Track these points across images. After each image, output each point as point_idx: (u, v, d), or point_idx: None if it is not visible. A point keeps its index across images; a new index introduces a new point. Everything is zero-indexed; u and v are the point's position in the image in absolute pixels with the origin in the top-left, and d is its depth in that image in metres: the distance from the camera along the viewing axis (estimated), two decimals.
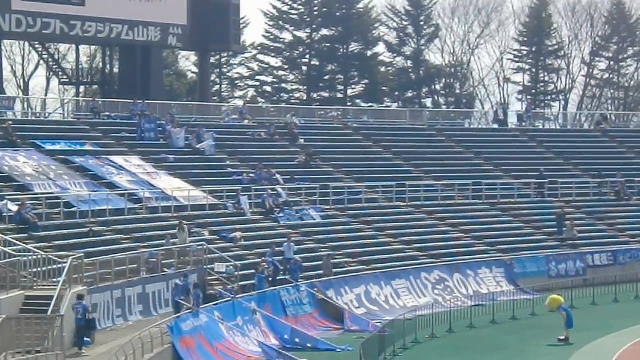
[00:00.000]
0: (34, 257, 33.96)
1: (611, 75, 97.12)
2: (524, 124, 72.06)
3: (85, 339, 32.32)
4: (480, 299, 47.07)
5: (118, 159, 50.65)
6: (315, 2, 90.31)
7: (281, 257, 44.62)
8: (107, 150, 51.65)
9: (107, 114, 56.99)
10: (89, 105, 58.17)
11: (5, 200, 41.49)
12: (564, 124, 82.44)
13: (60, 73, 74.49)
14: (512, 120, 73.58)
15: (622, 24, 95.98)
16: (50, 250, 37.29)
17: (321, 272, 45.91)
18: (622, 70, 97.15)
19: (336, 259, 47.97)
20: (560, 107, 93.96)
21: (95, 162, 49.52)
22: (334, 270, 46.41)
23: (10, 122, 50.51)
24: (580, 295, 48.72)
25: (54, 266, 34.00)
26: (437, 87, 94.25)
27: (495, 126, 72.17)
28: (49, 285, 33.07)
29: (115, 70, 72.44)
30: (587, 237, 58.16)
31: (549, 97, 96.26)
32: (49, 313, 30.39)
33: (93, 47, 78.48)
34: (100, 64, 76.03)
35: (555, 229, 57.62)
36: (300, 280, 43.56)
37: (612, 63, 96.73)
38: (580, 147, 69.26)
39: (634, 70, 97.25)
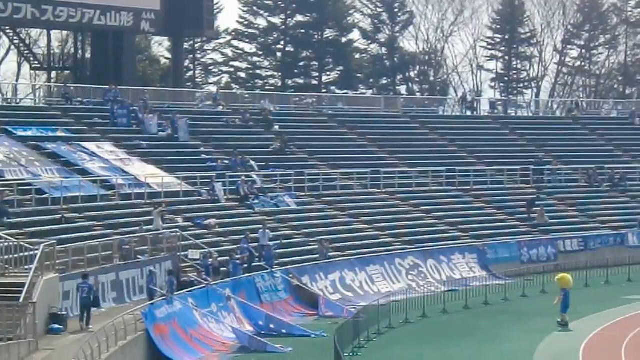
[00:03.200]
0: (5, 244, 33.74)
1: (583, 63, 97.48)
2: (496, 111, 72.28)
3: (57, 326, 32.26)
4: (454, 285, 47.35)
5: (90, 145, 50.43)
6: None
7: (256, 244, 44.62)
8: (79, 137, 51.41)
9: (79, 99, 56.71)
10: (61, 91, 57.87)
11: None
12: (536, 111, 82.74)
13: (32, 58, 74.01)
14: (485, 108, 73.95)
15: (593, 12, 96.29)
16: (21, 237, 37.04)
17: (296, 258, 45.99)
18: (593, 58, 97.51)
19: (310, 245, 48.07)
20: (532, 95, 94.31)
21: (67, 148, 49.28)
22: (310, 256, 46.53)
23: None
24: (552, 280, 48.86)
25: (26, 253, 33.79)
26: (412, 74, 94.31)
27: (467, 113, 72.37)
28: (21, 273, 32.86)
29: (88, 55, 72.00)
30: (558, 223, 58.56)
31: (522, 85, 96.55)
32: (20, 300, 30.26)
33: (65, 32, 78.00)
34: (72, 49, 75.60)
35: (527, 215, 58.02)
36: (275, 267, 43.61)
37: (583, 51, 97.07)
38: (552, 134, 69.60)
39: (605, 58, 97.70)
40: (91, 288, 33.65)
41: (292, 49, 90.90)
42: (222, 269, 41.57)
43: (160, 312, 34.40)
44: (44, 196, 43.29)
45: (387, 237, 52.01)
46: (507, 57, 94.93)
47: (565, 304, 39.68)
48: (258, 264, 43.82)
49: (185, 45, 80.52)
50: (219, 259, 42.19)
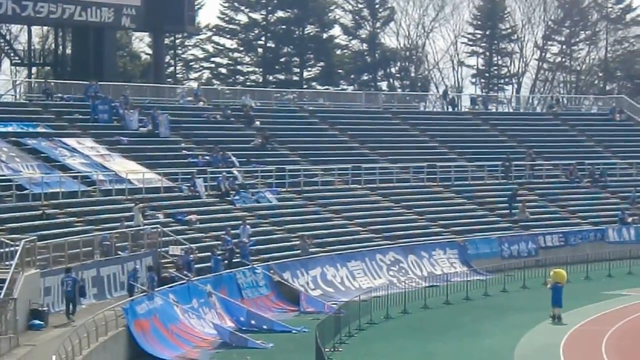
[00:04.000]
0: None
1: (563, 59, 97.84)
2: (476, 107, 72.46)
3: (38, 321, 32.22)
4: (434, 280, 47.50)
5: (71, 141, 50.30)
6: None
7: (237, 240, 44.64)
8: (59, 132, 51.26)
9: (60, 95, 56.52)
10: (42, 87, 57.70)
11: None
12: (517, 107, 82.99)
13: (12, 54, 73.81)
14: (466, 104, 74.10)
15: (574, 8, 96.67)
16: (2, 232, 37.01)
17: (277, 253, 46.02)
18: (574, 54, 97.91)
19: (291, 241, 48.11)
20: (513, 91, 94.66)
21: (47, 144, 49.14)
22: (291, 252, 46.56)
23: None
24: (532, 275, 49.26)
25: (7, 249, 33.75)
26: (393, 70, 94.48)
27: (448, 109, 72.55)
28: (1, 269, 32.80)
29: (68, 51, 71.86)
30: (539, 218, 58.77)
31: (502, 81, 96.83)
32: (1, 296, 30.18)
33: (45, 28, 77.74)
34: (53, 45, 75.41)
35: (508, 211, 58.23)
36: (253, 263, 43.58)
37: (564, 47, 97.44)
38: (533, 130, 69.82)
39: (585, 54, 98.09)
40: (75, 281, 34.03)
41: (273, 45, 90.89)
42: (198, 265, 41.48)
43: (141, 308, 34.37)
44: (25, 192, 43.19)
45: (368, 233, 52.08)
46: (487, 53, 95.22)
47: (557, 298, 39.96)
48: (239, 260, 43.78)
49: (166, 41, 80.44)
50: (199, 255, 42.16)
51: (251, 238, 45.72)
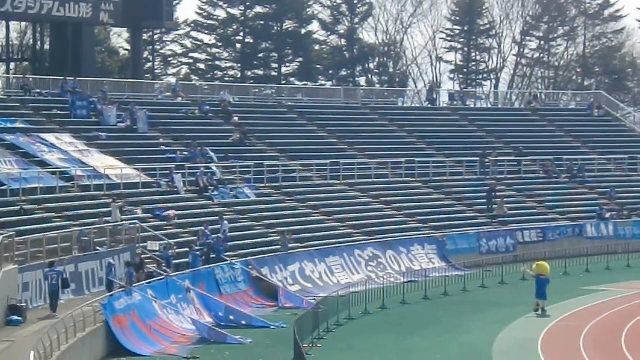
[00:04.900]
0: None
1: (541, 55, 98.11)
2: (455, 102, 72.61)
3: (16, 317, 32.14)
4: (413, 276, 47.56)
5: (49, 137, 50.16)
6: None
7: (216, 235, 44.63)
8: (38, 128, 51.12)
9: (38, 91, 56.36)
10: (20, 82, 57.47)
11: None
12: (495, 102, 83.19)
13: None
14: (444, 99, 74.24)
15: (552, 3, 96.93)
16: None
17: (254, 249, 46.02)
18: (552, 50, 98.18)
19: (270, 236, 48.12)
20: (491, 86, 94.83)
21: (26, 139, 48.99)
22: (269, 248, 46.56)
23: None
24: (511, 271, 49.41)
25: None
26: (371, 65, 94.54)
27: (428, 104, 72.69)
28: None
29: (47, 46, 71.58)
30: (517, 214, 58.94)
31: (481, 76, 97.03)
32: None
33: (23, 24, 77.44)
34: (31, 41, 75.11)
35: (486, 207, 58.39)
36: (229, 259, 43.53)
37: (542, 42, 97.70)
38: (511, 125, 70.04)
39: (563, 49, 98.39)
40: (60, 274, 34.21)
41: (251, 41, 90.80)
42: (176, 261, 41.44)
43: (119, 303, 34.32)
44: (3, 187, 43.08)
45: (347, 229, 52.14)
46: (466, 49, 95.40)
47: (541, 290, 40.30)
48: (215, 256, 43.76)
49: (144, 37, 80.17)
50: (177, 250, 42.12)
51: (227, 234, 45.66)
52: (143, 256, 41.23)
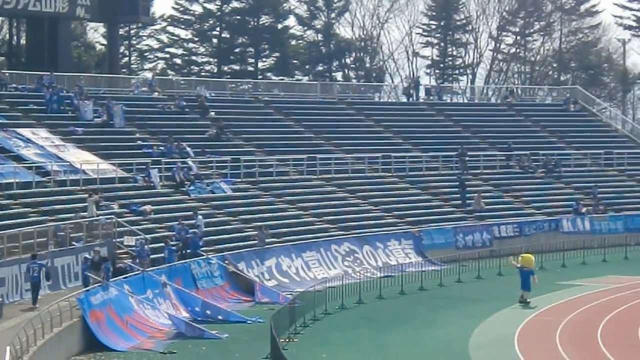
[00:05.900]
0: None
1: (518, 50, 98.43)
2: (431, 97, 72.73)
3: None
4: (389, 270, 47.65)
5: (25, 132, 49.94)
6: None
7: (195, 230, 44.57)
8: (14, 123, 50.87)
9: (14, 85, 56.07)
10: None
11: None
12: (472, 97, 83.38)
13: None
14: (421, 94, 74.30)
15: None
16: None
17: (230, 244, 46.00)
18: (528, 45, 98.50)
19: (246, 231, 48.10)
20: (467, 81, 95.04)
21: (2, 134, 48.77)
22: (246, 243, 46.54)
23: None
24: (487, 266, 49.58)
25: None
26: (347, 60, 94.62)
27: (404, 99, 72.75)
28: None
29: (22, 41, 71.27)
30: (493, 209, 59.11)
31: (457, 71, 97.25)
32: None
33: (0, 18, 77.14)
34: (7, 35, 74.78)
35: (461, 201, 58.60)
36: (205, 253, 43.48)
37: (518, 37, 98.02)
38: (487, 120, 70.23)
39: (539, 44, 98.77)
40: (42, 266, 34.42)
41: (227, 35, 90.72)
42: (152, 256, 41.35)
43: (95, 298, 34.26)
44: None
45: (323, 223, 52.16)
46: (442, 44, 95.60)
47: (525, 282, 40.75)
48: (190, 251, 43.70)
49: (121, 32, 79.99)
50: (152, 245, 42.01)
51: (202, 229, 45.56)
52: (119, 251, 41.19)
